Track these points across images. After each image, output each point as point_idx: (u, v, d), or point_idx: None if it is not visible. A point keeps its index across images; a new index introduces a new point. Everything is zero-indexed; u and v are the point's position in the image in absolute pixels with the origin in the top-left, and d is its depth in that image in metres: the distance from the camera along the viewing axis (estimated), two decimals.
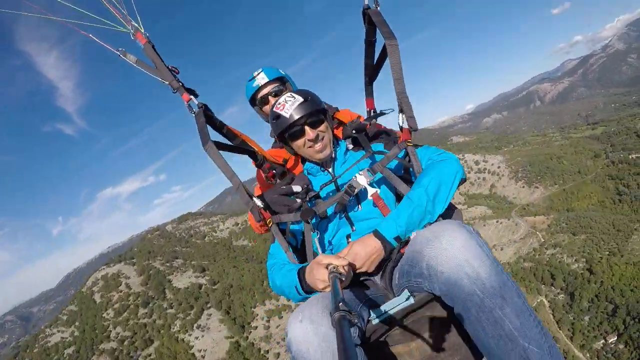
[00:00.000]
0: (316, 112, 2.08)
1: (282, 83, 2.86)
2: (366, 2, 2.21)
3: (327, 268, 1.62)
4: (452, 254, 1.48)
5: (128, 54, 2.30)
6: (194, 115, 2.18)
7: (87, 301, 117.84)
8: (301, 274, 1.80)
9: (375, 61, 2.43)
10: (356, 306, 1.68)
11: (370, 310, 1.77)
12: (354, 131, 2.21)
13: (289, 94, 2.13)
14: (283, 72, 2.90)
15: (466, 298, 1.46)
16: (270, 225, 2.08)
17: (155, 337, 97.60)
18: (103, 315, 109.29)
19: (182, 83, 2.24)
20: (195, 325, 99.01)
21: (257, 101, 2.87)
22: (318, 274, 1.65)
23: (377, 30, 2.20)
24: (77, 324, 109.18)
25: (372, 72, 2.53)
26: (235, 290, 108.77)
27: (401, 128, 2.06)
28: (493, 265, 1.47)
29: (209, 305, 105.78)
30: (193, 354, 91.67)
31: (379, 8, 2.17)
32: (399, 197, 2.10)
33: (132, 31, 2.25)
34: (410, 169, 2.07)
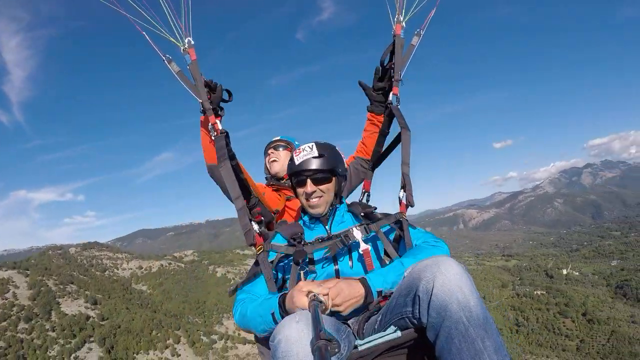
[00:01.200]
0: (324, 170, 2.15)
1: (288, 144, 3.38)
2: (390, 99, 2.64)
3: (307, 295, 1.63)
4: (447, 278, 1.54)
5: (173, 63, 2.44)
6: (213, 137, 2.38)
7: None
8: (280, 300, 1.79)
9: (384, 149, 2.78)
10: (340, 334, 1.69)
11: (357, 339, 1.84)
12: (362, 214, 2.30)
13: (311, 143, 2.23)
14: (296, 143, 3.42)
15: (451, 326, 1.50)
16: (259, 252, 2.11)
17: (29, 356, 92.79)
18: None
19: (212, 106, 2.41)
20: (73, 355, 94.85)
21: (265, 153, 3.48)
22: (298, 300, 1.64)
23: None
24: None
25: (378, 159, 2.84)
26: (122, 332, 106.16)
27: (400, 201, 2.28)
28: (479, 299, 1.54)
29: (91, 339, 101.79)
30: None
31: (399, 105, 2.62)
32: (381, 264, 2.20)
33: (185, 45, 2.39)
34: (401, 241, 2.21)
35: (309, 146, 2.20)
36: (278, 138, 3.42)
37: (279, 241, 2.23)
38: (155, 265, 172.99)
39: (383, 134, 2.72)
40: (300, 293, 1.66)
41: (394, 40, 2.69)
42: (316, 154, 2.15)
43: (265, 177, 3.45)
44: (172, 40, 2.36)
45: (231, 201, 2.23)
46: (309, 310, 1.50)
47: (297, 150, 2.23)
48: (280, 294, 1.85)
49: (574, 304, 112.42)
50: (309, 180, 2.15)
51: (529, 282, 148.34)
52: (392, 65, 2.69)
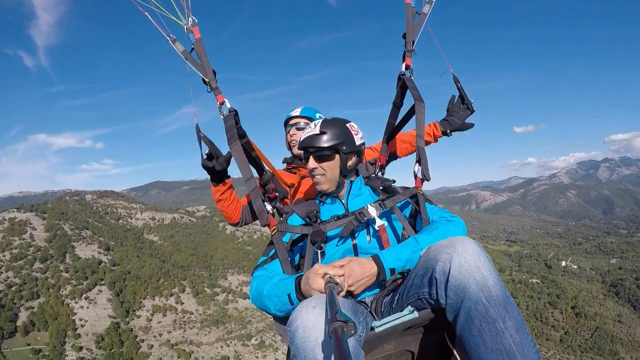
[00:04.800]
0: (325, 148, 2.10)
1: (309, 121, 3.07)
2: (403, 70, 2.56)
3: (323, 278, 1.63)
4: (464, 258, 1.52)
5: (177, 43, 2.42)
6: (222, 117, 2.33)
7: None
8: (296, 283, 1.77)
9: (397, 121, 2.70)
10: (357, 316, 1.66)
11: (373, 320, 1.80)
12: (381, 187, 2.29)
13: (315, 121, 2.21)
14: (319, 116, 3.10)
15: (471, 307, 1.47)
16: (274, 233, 2.11)
17: (43, 294, 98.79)
18: None
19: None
20: (84, 295, 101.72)
21: (285, 126, 3.22)
22: (314, 283, 1.63)
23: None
24: None
25: (393, 131, 2.77)
26: (131, 277, 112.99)
27: (415, 176, 2.27)
28: (499, 278, 1.52)
29: (102, 282, 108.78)
30: (74, 321, 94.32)
31: (412, 77, 2.55)
32: (398, 239, 2.20)
33: (189, 24, 2.36)
34: (418, 216, 2.19)
35: (314, 123, 2.19)
36: (297, 114, 3.16)
37: (295, 221, 2.25)
38: (167, 218, 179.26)
39: (396, 105, 2.66)
40: (316, 275, 1.65)
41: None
42: (318, 131, 2.13)
43: (285, 159, 3.30)
44: (174, 19, 2.36)
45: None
46: (325, 293, 1.49)
47: (306, 127, 2.24)
48: (297, 275, 1.83)
49: (565, 296, 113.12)
50: (311, 157, 2.15)
51: (526, 270, 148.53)
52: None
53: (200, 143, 2.34)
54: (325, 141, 2.10)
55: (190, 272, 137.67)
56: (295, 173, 3.07)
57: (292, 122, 3.15)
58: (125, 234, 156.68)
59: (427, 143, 2.91)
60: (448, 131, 2.92)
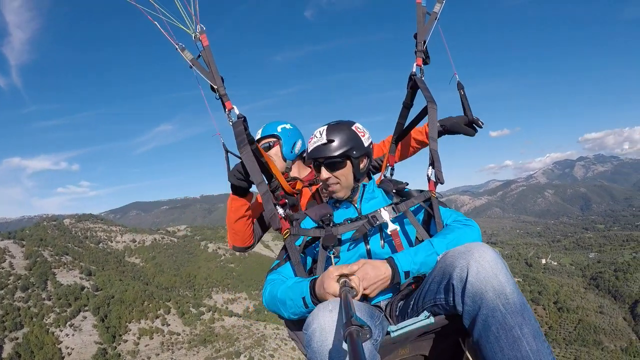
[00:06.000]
0: (335, 156, 2.03)
1: (276, 139, 2.99)
2: (414, 70, 2.48)
3: (338, 281, 1.61)
4: (482, 265, 1.49)
5: (186, 51, 2.38)
6: (230, 123, 2.27)
7: None
8: (311, 286, 1.74)
9: (407, 122, 2.65)
10: (373, 319, 1.63)
11: (389, 325, 1.77)
12: (394, 190, 2.25)
13: (322, 128, 2.12)
14: (280, 128, 3.01)
15: (488, 314, 1.46)
16: (286, 237, 2.06)
17: (26, 324, 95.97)
18: None
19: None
20: (68, 323, 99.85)
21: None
22: (329, 287, 1.61)
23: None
24: None
25: (403, 132, 2.70)
26: (115, 302, 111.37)
27: (429, 179, 2.20)
28: (515, 285, 1.49)
29: (86, 308, 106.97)
30: (60, 349, 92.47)
31: (423, 77, 2.47)
32: (411, 243, 2.14)
33: (197, 32, 2.33)
34: (432, 220, 2.12)
35: (319, 131, 2.11)
36: (259, 136, 3.06)
37: (308, 224, 2.21)
38: (148, 239, 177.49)
39: (406, 105, 2.60)
40: (331, 279, 1.63)
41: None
42: (325, 140, 2.05)
43: None
44: (183, 27, 2.34)
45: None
46: (340, 297, 1.47)
47: (311, 137, 2.15)
48: (311, 278, 1.80)
49: (547, 292, 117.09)
50: (322, 168, 2.08)
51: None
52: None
53: (227, 160, 2.41)
54: (335, 149, 2.04)
55: (174, 292, 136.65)
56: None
57: (262, 144, 3.04)
58: (106, 257, 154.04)
59: (421, 143, 2.88)
60: (439, 125, 2.74)
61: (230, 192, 2.50)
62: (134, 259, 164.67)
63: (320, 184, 2.25)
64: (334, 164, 2.06)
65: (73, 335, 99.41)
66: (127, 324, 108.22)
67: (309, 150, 2.13)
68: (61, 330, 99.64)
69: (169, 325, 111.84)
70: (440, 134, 2.72)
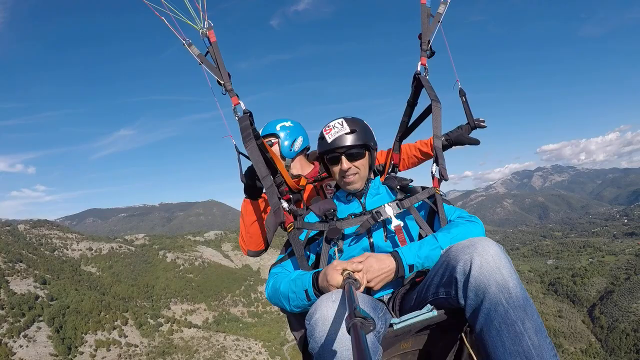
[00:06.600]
0: (357, 146, 2.09)
1: (276, 138, 3.02)
2: (418, 69, 2.53)
3: (341, 274, 1.62)
4: (485, 259, 1.50)
5: (193, 46, 2.40)
6: (237, 119, 2.30)
7: None
8: (314, 278, 1.76)
9: (411, 121, 2.66)
10: (377, 312, 1.65)
11: (392, 317, 1.79)
12: (399, 187, 2.27)
13: (341, 119, 2.16)
14: (280, 127, 3.03)
15: (490, 308, 1.46)
16: (290, 230, 2.10)
17: None
18: None
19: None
20: (22, 333, 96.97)
21: None
22: (333, 279, 1.62)
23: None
24: None
25: (407, 130, 2.72)
26: (71, 312, 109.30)
27: (433, 176, 2.25)
28: (519, 280, 1.49)
29: (40, 319, 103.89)
30: None
31: (427, 76, 2.51)
32: (415, 239, 2.14)
33: (205, 28, 2.34)
34: (435, 217, 2.15)
35: (338, 122, 2.15)
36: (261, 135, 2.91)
37: (312, 219, 2.23)
38: (105, 247, 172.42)
39: (410, 104, 2.63)
40: (335, 271, 1.64)
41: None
42: (348, 129, 2.10)
43: None
44: (190, 23, 2.36)
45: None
46: (344, 289, 1.49)
47: (327, 128, 2.18)
48: (314, 271, 1.82)
49: None
50: (343, 157, 2.10)
51: None
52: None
53: (239, 163, 2.46)
54: (357, 139, 2.10)
55: (131, 303, 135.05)
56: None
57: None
58: (61, 266, 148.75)
59: (426, 155, 2.99)
60: (442, 139, 2.85)
61: (244, 195, 2.61)
62: (90, 268, 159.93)
63: (337, 175, 2.22)
64: (355, 154, 2.13)
65: (27, 346, 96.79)
66: (83, 335, 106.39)
67: (329, 140, 2.13)
68: (14, 342, 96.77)
69: (127, 336, 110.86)
70: (445, 147, 2.87)
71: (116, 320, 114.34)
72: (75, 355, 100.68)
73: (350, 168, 2.12)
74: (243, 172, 2.49)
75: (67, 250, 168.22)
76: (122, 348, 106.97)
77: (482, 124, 2.90)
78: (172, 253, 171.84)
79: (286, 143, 3.01)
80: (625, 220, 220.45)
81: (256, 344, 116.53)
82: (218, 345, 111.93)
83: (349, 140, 2.09)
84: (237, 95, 2.37)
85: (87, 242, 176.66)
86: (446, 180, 2.22)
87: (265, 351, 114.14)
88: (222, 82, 2.37)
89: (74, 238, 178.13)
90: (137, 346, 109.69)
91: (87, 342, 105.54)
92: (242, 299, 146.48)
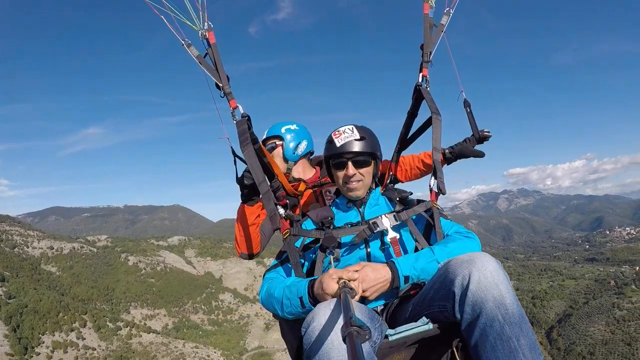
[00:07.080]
0: (365, 153, 2.11)
1: (279, 140, 3.03)
2: (419, 81, 2.53)
3: (337, 282, 1.61)
4: (483, 274, 1.50)
5: (192, 47, 2.38)
6: (235, 122, 2.29)
7: None
8: (309, 286, 1.75)
9: (411, 132, 2.67)
10: (373, 322, 1.62)
11: (388, 328, 1.75)
12: (398, 198, 2.27)
13: (351, 126, 2.18)
14: (285, 129, 3.04)
15: (486, 323, 1.47)
16: (286, 237, 2.09)
17: None
18: None
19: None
20: None
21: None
22: (328, 287, 1.62)
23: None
24: None
25: (406, 141, 2.72)
26: (28, 311, 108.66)
27: (430, 190, 2.27)
28: (515, 296, 1.51)
29: None
30: None
31: (428, 88, 2.51)
32: (410, 252, 2.12)
33: (204, 29, 2.33)
34: (432, 231, 2.16)
35: (349, 128, 2.16)
36: (265, 137, 3.10)
37: (309, 225, 2.24)
38: (66, 247, 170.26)
39: (411, 115, 2.63)
40: (331, 280, 1.64)
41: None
42: (358, 136, 2.11)
43: None
44: (190, 24, 2.33)
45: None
46: (340, 297, 1.48)
47: (337, 132, 2.18)
48: (310, 279, 1.81)
49: None
50: (349, 163, 2.11)
51: None
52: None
53: (235, 163, 2.47)
54: (366, 147, 2.12)
55: (91, 305, 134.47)
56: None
57: (267, 145, 3.08)
58: (21, 263, 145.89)
59: (428, 167, 2.91)
60: (447, 152, 2.81)
61: (241, 198, 2.61)
62: (51, 267, 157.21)
63: (340, 180, 2.21)
64: (361, 162, 2.14)
65: None
66: (40, 335, 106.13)
67: (338, 145, 2.14)
68: None
69: (85, 339, 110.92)
70: (449, 160, 2.86)
71: (74, 322, 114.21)
72: (32, 356, 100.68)
73: (355, 174, 2.13)
74: (239, 176, 2.54)
75: (28, 248, 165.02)
76: (79, 350, 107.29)
77: (487, 134, 2.80)
78: (134, 256, 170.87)
79: (291, 145, 3.05)
80: (587, 246, 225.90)
81: (215, 352, 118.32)
82: (177, 351, 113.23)
83: (358, 146, 2.12)
84: (235, 99, 2.38)
85: (49, 240, 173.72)
86: (444, 194, 2.28)
87: None
88: (220, 84, 2.40)
89: (35, 236, 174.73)
90: (95, 349, 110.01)
91: (44, 342, 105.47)
92: (202, 307, 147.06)
